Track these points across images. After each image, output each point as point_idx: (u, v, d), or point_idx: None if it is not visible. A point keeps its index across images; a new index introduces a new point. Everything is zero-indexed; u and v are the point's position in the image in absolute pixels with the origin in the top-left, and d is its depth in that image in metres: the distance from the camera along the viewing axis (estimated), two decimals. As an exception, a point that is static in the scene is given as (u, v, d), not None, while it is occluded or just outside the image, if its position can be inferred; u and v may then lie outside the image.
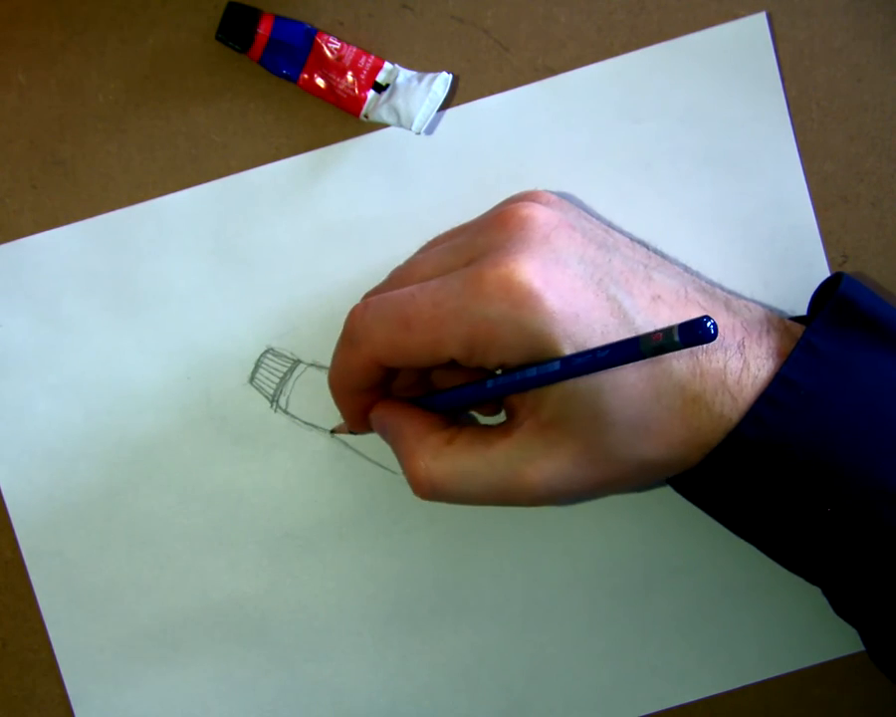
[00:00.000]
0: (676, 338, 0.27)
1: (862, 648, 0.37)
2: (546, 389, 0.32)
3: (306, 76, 0.39)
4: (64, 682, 0.41)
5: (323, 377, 0.40)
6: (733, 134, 0.40)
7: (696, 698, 0.41)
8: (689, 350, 0.32)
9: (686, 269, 0.38)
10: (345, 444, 0.41)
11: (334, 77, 0.39)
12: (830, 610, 0.36)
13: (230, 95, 0.40)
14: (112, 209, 0.40)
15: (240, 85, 0.40)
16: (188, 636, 0.41)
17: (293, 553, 0.41)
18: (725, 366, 0.32)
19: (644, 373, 0.32)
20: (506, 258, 0.32)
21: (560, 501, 0.33)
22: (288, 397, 0.40)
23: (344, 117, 0.40)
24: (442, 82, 0.39)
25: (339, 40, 0.39)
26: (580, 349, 0.31)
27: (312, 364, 0.40)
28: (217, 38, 0.39)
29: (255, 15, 0.39)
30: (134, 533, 0.41)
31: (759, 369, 0.32)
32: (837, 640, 0.41)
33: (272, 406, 0.40)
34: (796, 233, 0.40)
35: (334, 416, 0.40)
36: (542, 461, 0.33)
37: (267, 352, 0.40)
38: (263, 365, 0.40)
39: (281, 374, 0.40)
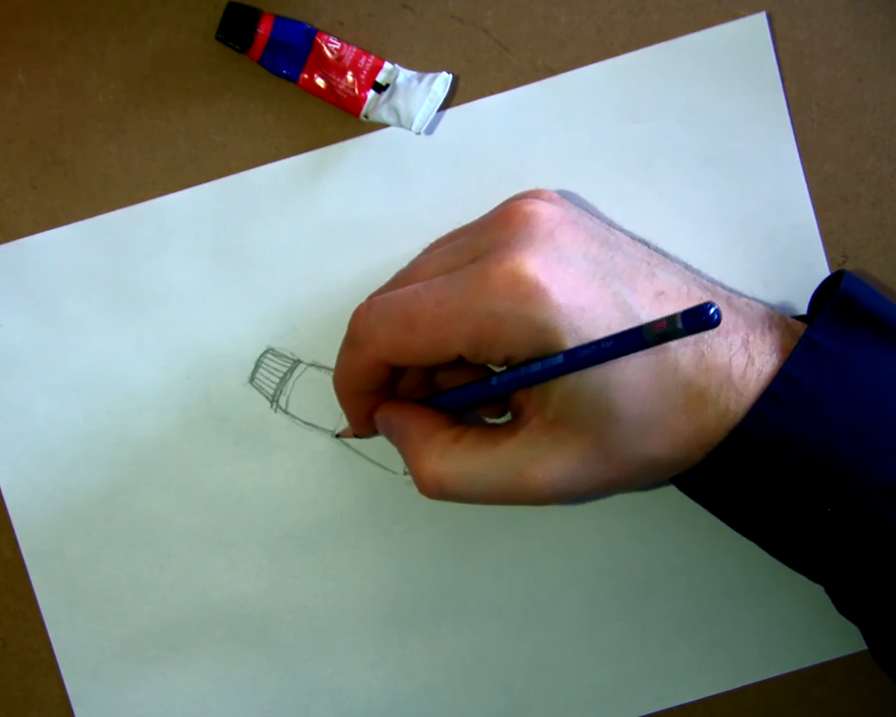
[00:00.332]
0: (679, 325, 0.27)
1: (862, 648, 0.37)
2: (551, 387, 0.32)
3: (306, 76, 0.39)
4: (64, 682, 0.41)
5: (323, 377, 0.40)
6: (733, 134, 0.40)
7: (696, 698, 0.41)
8: (694, 346, 0.32)
9: (687, 268, 0.38)
10: (346, 444, 0.41)
11: (334, 77, 0.39)
12: (830, 610, 0.36)
13: (230, 95, 0.40)
14: (113, 209, 0.40)
15: (240, 85, 0.40)
16: (188, 636, 0.41)
17: (293, 553, 0.41)
18: (730, 361, 0.32)
19: (649, 370, 0.32)
20: (510, 254, 0.32)
21: (566, 500, 0.33)
22: (288, 397, 0.40)
23: (344, 117, 0.40)
24: (442, 82, 0.39)
25: (339, 40, 0.39)
26: (586, 342, 0.31)
27: (312, 364, 0.40)
28: (217, 38, 0.39)
29: (255, 15, 0.39)
30: (134, 533, 0.41)
31: (763, 365, 0.32)
32: (837, 640, 0.41)
33: (272, 406, 0.40)
34: (796, 233, 0.40)
35: (334, 416, 0.40)
36: (548, 459, 0.33)
37: (267, 352, 0.40)
38: (263, 365, 0.40)
39: (281, 374, 0.40)
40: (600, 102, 0.40)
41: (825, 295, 0.36)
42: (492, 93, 0.40)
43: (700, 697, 0.41)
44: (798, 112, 0.40)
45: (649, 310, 0.32)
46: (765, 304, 0.36)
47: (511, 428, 0.34)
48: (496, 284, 0.31)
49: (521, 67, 0.40)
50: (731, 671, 0.41)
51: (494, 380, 0.34)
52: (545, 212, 0.33)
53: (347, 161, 0.40)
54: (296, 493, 0.41)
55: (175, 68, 0.40)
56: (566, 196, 0.38)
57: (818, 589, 0.36)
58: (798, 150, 0.40)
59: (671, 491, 0.37)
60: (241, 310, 0.40)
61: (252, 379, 0.40)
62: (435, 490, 0.34)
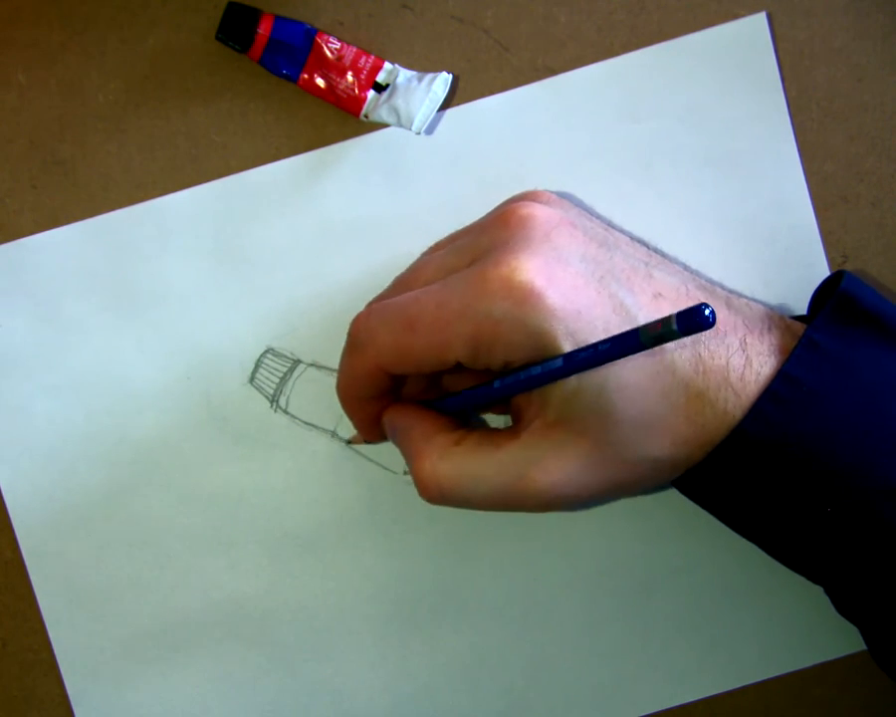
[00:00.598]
0: (674, 326, 0.27)
1: (862, 648, 0.37)
2: (551, 390, 0.32)
3: (306, 76, 0.39)
4: (64, 682, 0.41)
5: (323, 377, 0.40)
6: (733, 134, 0.40)
7: (696, 698, 0.41)
8: (692, 347, 0.32)
9: (686, 268, 0.38)
10: (346, 444, 0.41)
11: (334, 77, 0.39)
12: (830, 610, 0.36)
13: (230, 95, 0.40)
14: (113, 209, 0.40)
15: (240, 85, 0.40)
16: (188, 636, 0.41)
17: (293, 553, 0.41)
18: (728, 363, 0.32)
19: (648, 371, 0.32)
20: (508, 257, 0.32)
21: (567, 503, 0.33)
22: (288, 397, 0.40)
23: (344, 117, 0.40)
24: (442, 82, 0.39)
25: (339, 40, 0.39)
26: (583, 345, 0.31)
27: (312, 365, 0.40)
28: (217, 38, 0.39)
29: (255, 15, 0.39)
30: (134, 533, 0.41)
31: (761, 366, 0.32)
32: (837, 640, 0.41)
33: (272, 406, 0.40)
34: (796, 233, 0.40)
35: (334, 416, 0.40)
36: (549, 461, 0.33)
37: (267, 352, 0.40)
38: (263, 365, 0.40)
39: (281, 375, 0.40)
40: (600, 102, 0.40)
41: (825, 295, 0.36)
42: (492, 93, 0.40)
43: (700, 697, 0.41)
44: (798, 112, 0.40)
45: (647, 311, 0.32)
46: (764, 304, 0.36)
47: (512, 432, 0.34)
48: (493, 286, 0.31)
49: (521, 67, 0.40)
50: (731, 671, 0.41)
51: (496, 383, 0.34)
52: (542, 214, 0.34)
53: (347, 161, 0.40)
54: (296, 493, 0.41)
55: (175, 68, 0.40)
56: (565, 197, 0.38)
57: (818, 589, 0.36)
58: (798, 150, 0.40)
59: (671, 492, 0.37)
60: (241, 310, 0.40)
61: (252, 379, 0.40)
62: (435, 492, 0.34)
